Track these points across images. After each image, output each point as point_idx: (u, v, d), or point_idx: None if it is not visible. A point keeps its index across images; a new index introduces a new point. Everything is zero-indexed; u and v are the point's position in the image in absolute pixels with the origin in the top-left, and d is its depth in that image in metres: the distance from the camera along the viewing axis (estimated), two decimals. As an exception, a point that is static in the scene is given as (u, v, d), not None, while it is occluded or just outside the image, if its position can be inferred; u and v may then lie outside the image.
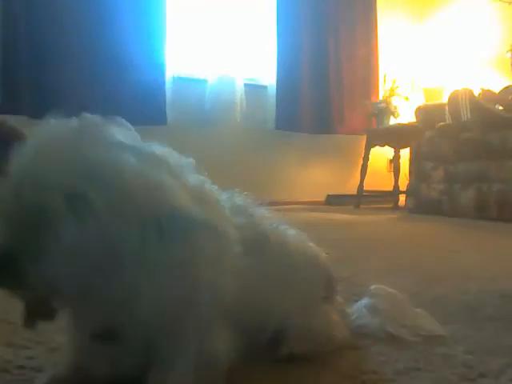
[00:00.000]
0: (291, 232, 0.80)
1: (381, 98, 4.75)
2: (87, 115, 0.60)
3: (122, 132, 0.61)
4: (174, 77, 4.06)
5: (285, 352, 0.72)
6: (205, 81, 4.13)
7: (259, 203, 0.79)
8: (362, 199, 4.51)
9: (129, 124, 0.64)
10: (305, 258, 0.78)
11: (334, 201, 4.63)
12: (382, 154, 4.81)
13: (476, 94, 3.66)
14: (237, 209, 0.71)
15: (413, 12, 5.24)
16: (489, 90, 3.84)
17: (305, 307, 0.75)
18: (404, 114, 4.61)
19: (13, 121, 1.10)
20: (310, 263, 0.78)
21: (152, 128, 3.88)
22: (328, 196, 4.71)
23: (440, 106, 3.84)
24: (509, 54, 4.28)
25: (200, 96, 4.12)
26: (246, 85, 4.22)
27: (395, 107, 4.54)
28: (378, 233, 2.67)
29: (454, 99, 3.63)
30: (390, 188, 4.31)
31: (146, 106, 3.79)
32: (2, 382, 0.68)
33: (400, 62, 5.08)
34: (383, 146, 4.47)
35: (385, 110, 4.52)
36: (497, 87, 4.00)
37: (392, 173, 4.34)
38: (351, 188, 4.58)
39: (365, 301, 0.92)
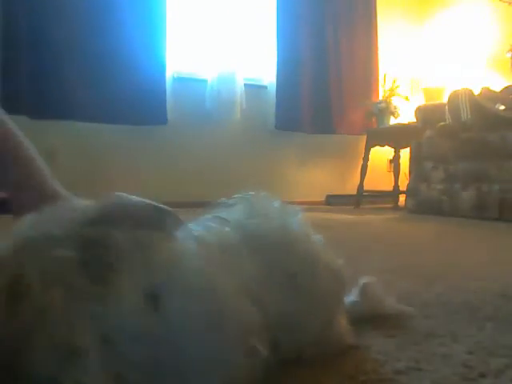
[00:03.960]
0: (316, 241, 0.78)
1: (381, 98, 4.75)
2: (148, 205, 0.56)
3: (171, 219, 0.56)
4: (174, 76, 4.06)
5: (293, 356, 0.71)
6: (205, 80, 4.14)
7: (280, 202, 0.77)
8: (362, 199, 4.51)
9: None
10: (332, 276, 0.76)
11: (334, 201, 4.63)
12: (382, 154, 4.81)
13: (476, 93, 3.66)
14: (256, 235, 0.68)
15: (413, 12, 5.24)
16: (489, 89, 3.85)
17: (324, 323, 0.75)
18: (404, 114, 4.62)
19: (13, 121, 1.10)
20: (336, 281, 0.78)
21: (152, 128, 3.91)
22: (328, 196, 4.71)
23: (440, 106, 3.84)
24: (509, 54, 4.28)
25: (200, 96, 4.13)
26: (246, 85, 4.23)
27: (395, 107, 4.54)
28: (378, 233, 2.67)
29: (453, 99, 3.63)
30: (390, 188, 4.31)
31: (146, 106, 3.80)
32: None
33: (400, 61, 5.08)
34: (383, 146, 4.47)
35: (385, 110, 4.52)
36: (497, 87, 4.00)
37: (392, 173, 4.34)
38: (351, 188, 4.59)
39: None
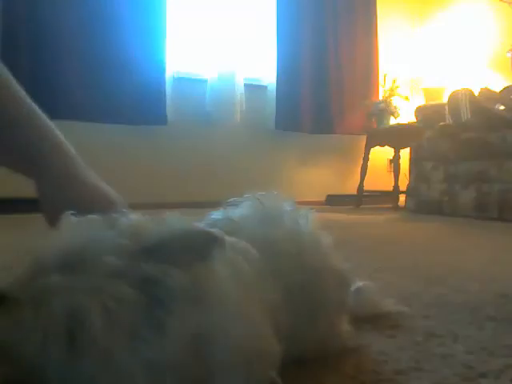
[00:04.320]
0: (326, 245, 0.79)
1: (381, 98, 4.75)
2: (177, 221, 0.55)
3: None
4: (174, 77, 4.06)
5: (294, 355, 0.71)
6: (205, 81, 4.14)
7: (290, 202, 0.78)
8: (362, 199, 4.51)
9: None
10: (338, 280, 0.77)
11: (334, 201, 4.63)
12: (382, 154, 4.81)
13: (476, 93, 3.67)
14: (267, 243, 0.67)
15: (413, 12, 5.24)
16: (488, 89, 3.85)
17: (328, 325, 0.75)
18: (404, 114, 4.62)
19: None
20: (341, 285, 0.78)
21: (152, 128, 3.91)
22: (328, 196, 4.71)
23: (440, 106, 3.84)
24: (509, 54, 4.28)
25: (200, 96, 4.13)
26: (246, 85, 4.23)
27: (395, 107, 4.54)
28: (378, 233, 2.67)
29: (453, 99, 3.63)
30: (390, 188, 4.31)
31: (146, 106, 3.80)
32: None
33: (400, 61, 5.08)
34: (383, 146, 4.47)
35: (385, 110, 4.52)
36: (497, 87, 4.00)
37: (392, 173, 4.34)
38: (351, 188, 4.59)
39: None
